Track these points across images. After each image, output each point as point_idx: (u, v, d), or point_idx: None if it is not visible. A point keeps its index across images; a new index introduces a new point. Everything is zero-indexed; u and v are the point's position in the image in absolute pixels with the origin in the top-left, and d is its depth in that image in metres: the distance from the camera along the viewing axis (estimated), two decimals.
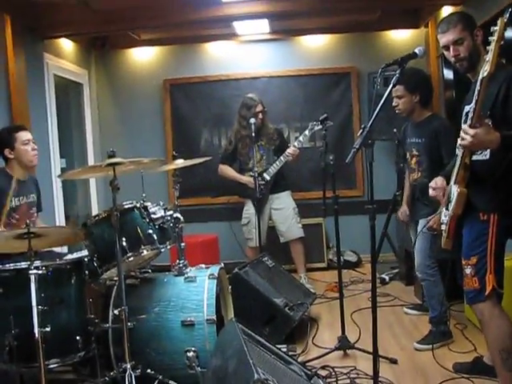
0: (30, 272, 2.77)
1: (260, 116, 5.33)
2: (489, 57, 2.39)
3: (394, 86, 2.78)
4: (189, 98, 6.71)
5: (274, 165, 5.33)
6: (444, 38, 2.81)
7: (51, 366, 2.96)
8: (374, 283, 2.76)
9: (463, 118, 2.84)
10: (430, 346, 3.58)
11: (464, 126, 2.52)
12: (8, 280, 2.99)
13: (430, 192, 2.98)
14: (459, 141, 2.54)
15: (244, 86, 6.51)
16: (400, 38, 6.56)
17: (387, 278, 5.62)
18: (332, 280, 5.43)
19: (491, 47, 2.39)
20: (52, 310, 2.93)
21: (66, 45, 6.06)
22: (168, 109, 6.72)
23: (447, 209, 2.84)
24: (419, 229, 3.93)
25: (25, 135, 3.87)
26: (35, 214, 4.01)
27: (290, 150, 5.24)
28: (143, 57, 6.80)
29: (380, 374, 2.81)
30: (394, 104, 3.92)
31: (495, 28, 2.39)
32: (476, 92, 2.47)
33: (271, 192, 5.43)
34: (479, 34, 2.78)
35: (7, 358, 2.87)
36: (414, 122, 3.99)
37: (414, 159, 3.94)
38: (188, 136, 6.72)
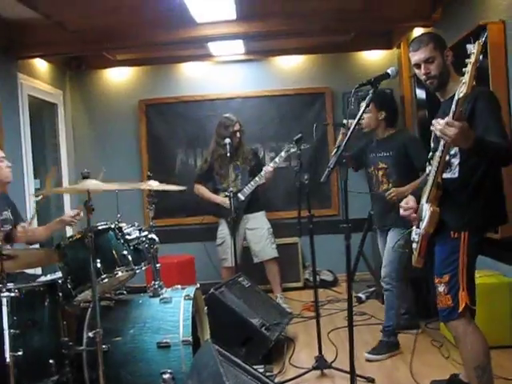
0: (2, 295, 2.73)
1: (238, 135, 5.36)
2: (465, 78, 2.41)
3: (367, 105, 2.83)
4: (164, 118, 6.72)
5: (249, 185, 5.34)
6: (416, 56, 2.86)
7: None
8: (350, 302, 2.77)
9: (432, 136, 2.88)
10: (380, 357, 3.89)
11: (449, 120, 2.42)
12: None
13: (401, 212, 3.01)
14: (439, 132, 2.45)
15: (219, 106, 6.53)
16: (373, 58, 6.66)
17: (364, 296, 5.63)
18: (308, 299, 5.42)
19: (468, 69, 2.41)
20: (24, 333, 2.87)
21: (41, 65, 6.02)
22: (143, 129, 6.70)
23: (418, 227, 2.87)
24: (388, 240, 4.03)
25: None
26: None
27: (265, 171, 5.26)
28: (118, 77, 6.79)
29: None
30: None
31: (472, 51, 2.42)
32: (451, 113, 2.47)
33: (246, 212, 5.43)
34: (449, 55, 2.84)
35: None
36: (379, 137, 4.13)
37: (382, 172, 4.07)
38: (163, 156, 6.71)
